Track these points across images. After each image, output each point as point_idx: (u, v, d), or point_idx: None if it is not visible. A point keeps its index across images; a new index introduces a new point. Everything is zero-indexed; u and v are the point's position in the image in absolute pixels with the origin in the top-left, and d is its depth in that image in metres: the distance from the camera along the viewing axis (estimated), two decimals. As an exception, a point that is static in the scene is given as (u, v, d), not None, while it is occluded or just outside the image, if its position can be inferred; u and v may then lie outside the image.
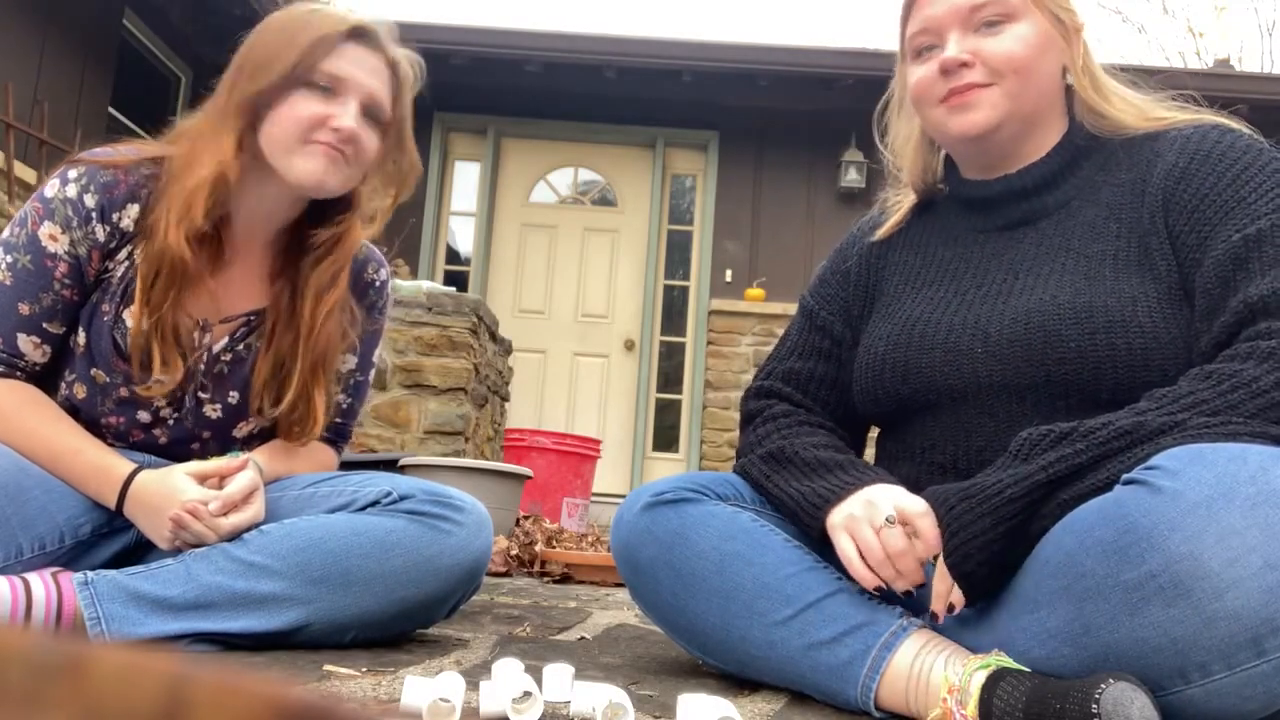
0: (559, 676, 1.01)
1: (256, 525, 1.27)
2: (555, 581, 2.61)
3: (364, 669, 1.13)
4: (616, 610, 1.99)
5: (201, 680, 0.20)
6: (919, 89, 1.20)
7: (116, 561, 1.32)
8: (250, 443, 1.45)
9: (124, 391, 1.33)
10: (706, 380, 6.42)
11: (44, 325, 1.31)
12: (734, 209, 6.61)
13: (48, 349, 1.33)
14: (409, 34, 1.41)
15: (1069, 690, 0.85)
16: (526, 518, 3.52)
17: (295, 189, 1.32)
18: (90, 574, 1.19)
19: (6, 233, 1.31)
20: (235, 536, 1.26)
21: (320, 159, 1.28)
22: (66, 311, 1.32)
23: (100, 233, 1.29)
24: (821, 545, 1.14)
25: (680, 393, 6.61)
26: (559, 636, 1.55)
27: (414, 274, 6.29)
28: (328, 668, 1.12)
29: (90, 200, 1.29)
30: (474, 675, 1.11)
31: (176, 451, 1.40)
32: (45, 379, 1.35)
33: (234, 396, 1.40)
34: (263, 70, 1.27)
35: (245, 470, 1.29)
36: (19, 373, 1.32)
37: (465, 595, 1.37)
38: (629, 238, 6.72)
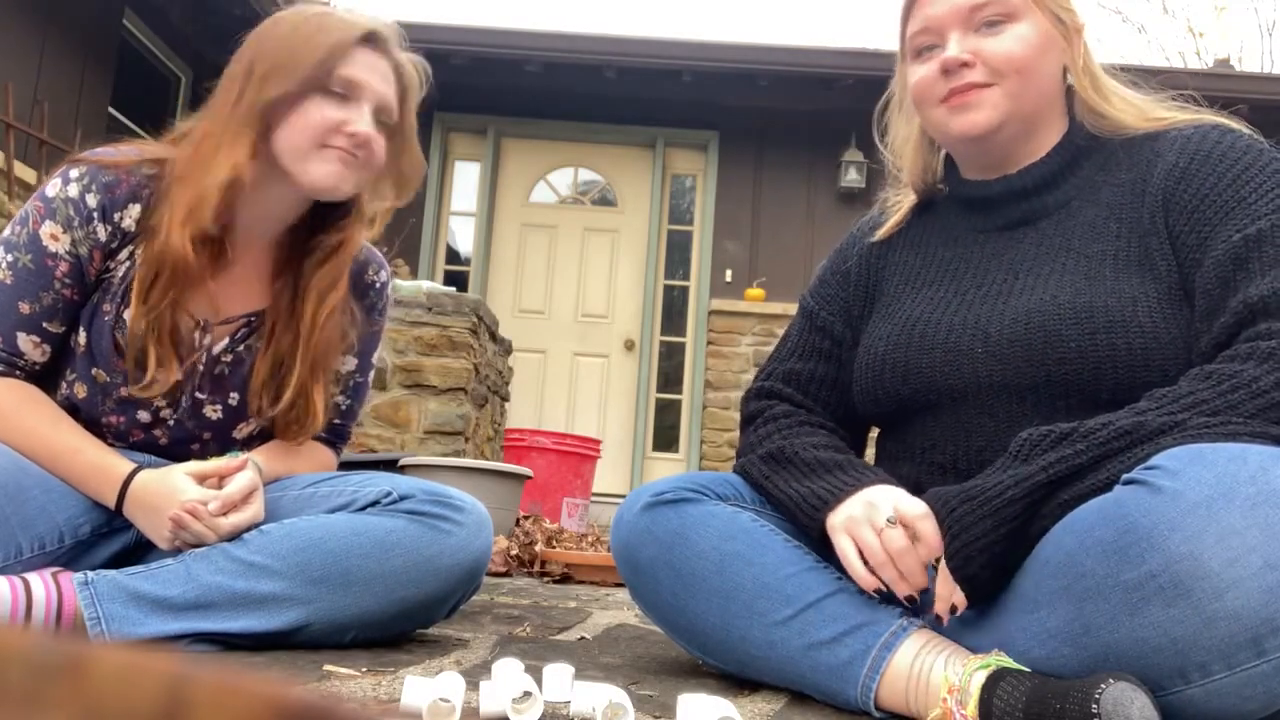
0: (559, 676, 1.01)
1: (256, 525, 1.27)
2: (555, 581, 2.61)
3: (364, 669, 1.13)
4: (616, 610, 1.99)
5: (201, 680, 0.20)
6: (919, 89, 1.20)
7: (116, 561, 1.32)
8: (250, 443, 1.45)
9: (124, 391, 1.33)
10: (706, 380, 6.42)
11: (44, 324, 1.31)
12: (734, 209, 6.61)
13: (47, 348, 1.33)
14: (409, 34, 1.41)
15: (1069, 690, 0.85)
16: (526, 518, 3.52)
17: (309, 193, 1.32)
18: (90, 574, 1.19)
19: (7, 231, 1.31)
20: (235, 536, 1.26)
21: (336, 163, 1.29)
22: (67, 311, 1.32)
23: (102, 232, 1.29)
24: (821, 546, 1.14)
25: (680, 393, 6.61)
26: (559, 636, 1.55)
27: (414, 274, 6.29)
28: (328, 668, 1.12)
29: (92, 200, 1.29)
30: (474, 675, 1.11)
31: (176, 452, 1.40)
32: (45, 378, 1.35)
33: (234, 398, 1.40)
34: (280, 75, 1.26)
35: (245, 470, 1.29)
36: (18, 372, 1.32)
37: (465, 595, 1.37)
38: (629, 238, 6.72)
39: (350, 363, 1.52)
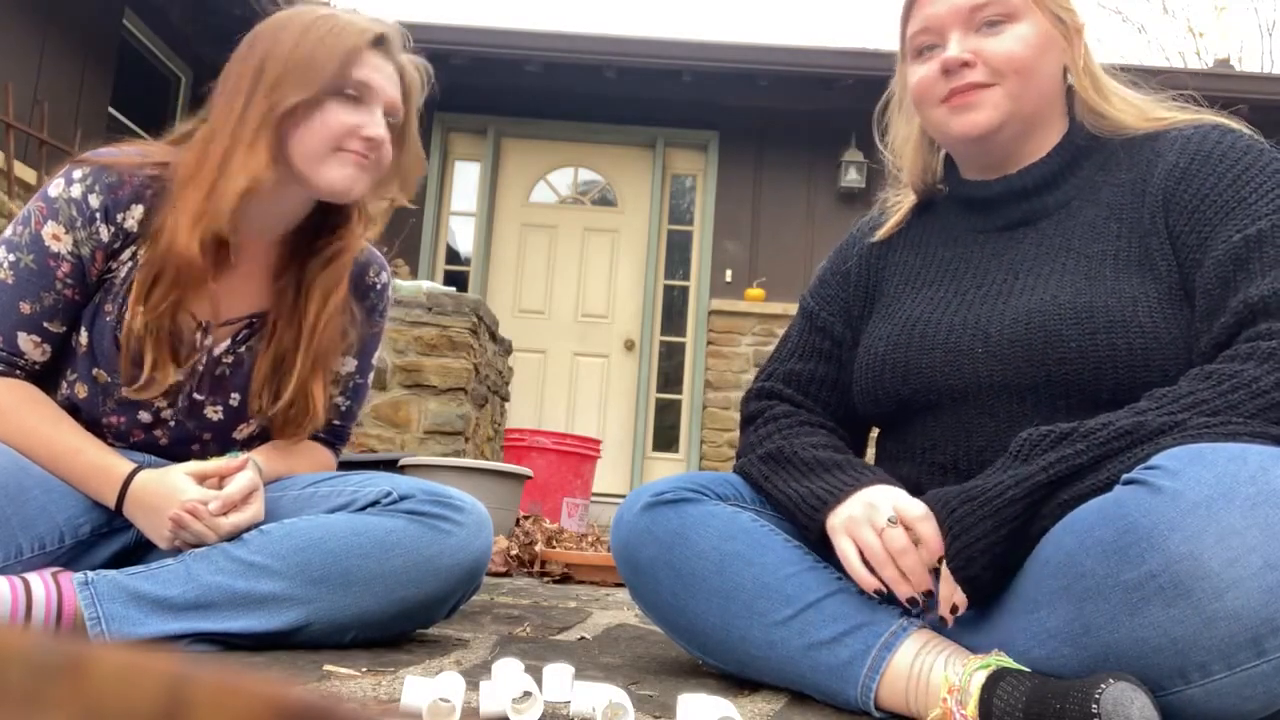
0: (559, 676, 1.01)
1: (256, 525, 1.27)
2: (555, 581, 2.61)
3: (364, 669, 1.13)
4: (616, 610, 1.99)
5: (201, 680, 0.20)
6: (920, 89, 1.20)
7: (116, 561, 1.32)
8: (250, 444, 1.45)
9: (125, 392, 1.33)
10: (706, 380, 6.42)
11: (45, 324, 1.31)
12: (734, 209, 6.61)
13: (48, 348, 1.33)
14: (409, 33, 1.42)
15: (1069, 690, 0.85)
16: (526, 518, 3.52)
17: (323, 196, 1.33)
18: (90, 574, 1.19)
19: (9, 231, 1.31)
20: (235, 536, 1.26)
21: (351, 167, 1.30)
22: (68, 311, 1.32)
23: (104, 233, 1.29)
24: (820, 546, 1.14)
25: (680, 393, 6.61)
26: (559, 636, 1.55)
27: (414, 274, 6.29)
28: (328, 668, 1.12)
29: (95, 200, 1.29)
30: (474, 675, 1.11)
31: (177, 452, 1.40)
32: (45, 378, 1.35)
33: (235, 398, 1.40)
34: (297, 81, 1.26)
35: (245, 470, 1.29)
36: (19, 371, 1.32)
37: (465, 595, 1.37)
38: (629, 238, 6.72)
39: (350, 364, 1.52)
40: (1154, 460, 0.90)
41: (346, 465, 1.63)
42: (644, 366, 6.53)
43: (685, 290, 6.73)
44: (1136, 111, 1.20)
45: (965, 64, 1.15)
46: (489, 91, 6.48)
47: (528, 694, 0.92)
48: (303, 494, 1.35)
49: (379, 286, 1.53)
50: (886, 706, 1.04)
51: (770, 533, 1.17)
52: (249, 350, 1.39)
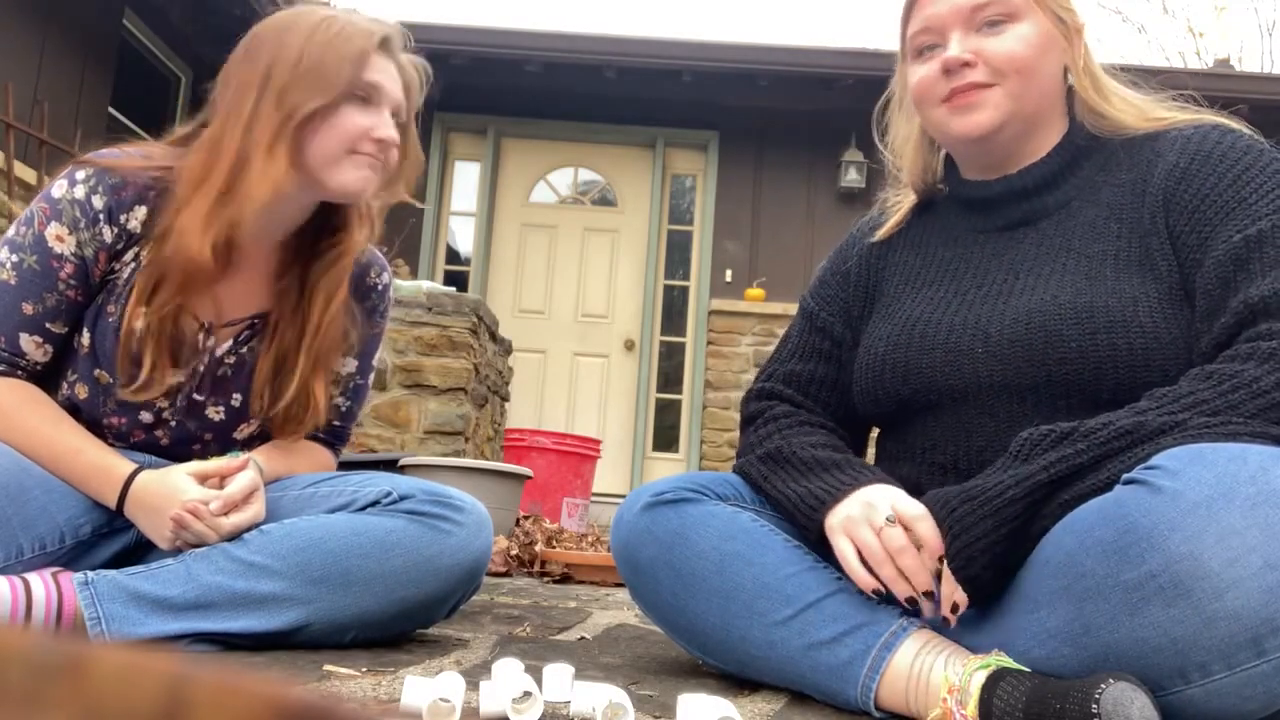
0: (559, 676, 1.01)
1: (257, 525, 1.27)
2: (555, 581, 2.61)
3: (364, 669, 1.13)
4: (616, 610, 1.99)
5: (201, 680, 0.20)
6: (920, 88, 1.20)
7: (116, 561, 1.32)
8: (251, 444, 1.45)
9: (123, 394, 1.33)
10: (706, 380, 6.42)
11: (47, 325, 1.31)
12: (734, 209, 6.61)
13: (49, 349, 1.33)
14: (409, 33, 1.42)
15: (1069, 690, 0.85)
16: (526, 518, 3.52)
17: (336, 198, 1.34)
18: (90, 574, 1.19)
19: (12, 232, 1.31)
20: (235, 536, 1.26)
21: (365, 169, 1.31)
22: (70, 312, 1.32)
23: (108, 234, 1.29)
24: (820, 546, 1.13)
25: (680, 393, 6.61)
26: (559, 636, 1.55)
27: (414, 274, 6.29)
28: (328, 668, 1.12)
29: (98, 202, 1.28)
30: (474, 675, 1.11)
31: (177, 452, 1.40)
32: (46, 378, 1.35)
33: (236, 399, 1.40)
34: (313, 87, 1.26)
35: (246, 470, 1.29)
36: (20, 372, 1.31)
37: (465, 595, 1.37)
38: (629, 238, 6.72)
39: (351, 364, 1.52)
40: (1154, 460, 0.90)
41: (346, 465, 1.63)
42: (644, 366, 6.53)
43: (685, 290, 6.73)
44: (1136, 111, 1.20)
45: (966, 64, 1.15)
46: (489, 91, 6.48)
47: (528, 694, 0.92)
48: (303, 494, 1.35)
49: (380, 288, 1.53)
50: (886, 706, 1.04)
51: (770, 533, 1.17)
52: (250, 351, 1.39)
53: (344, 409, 1.54)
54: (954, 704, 0.94)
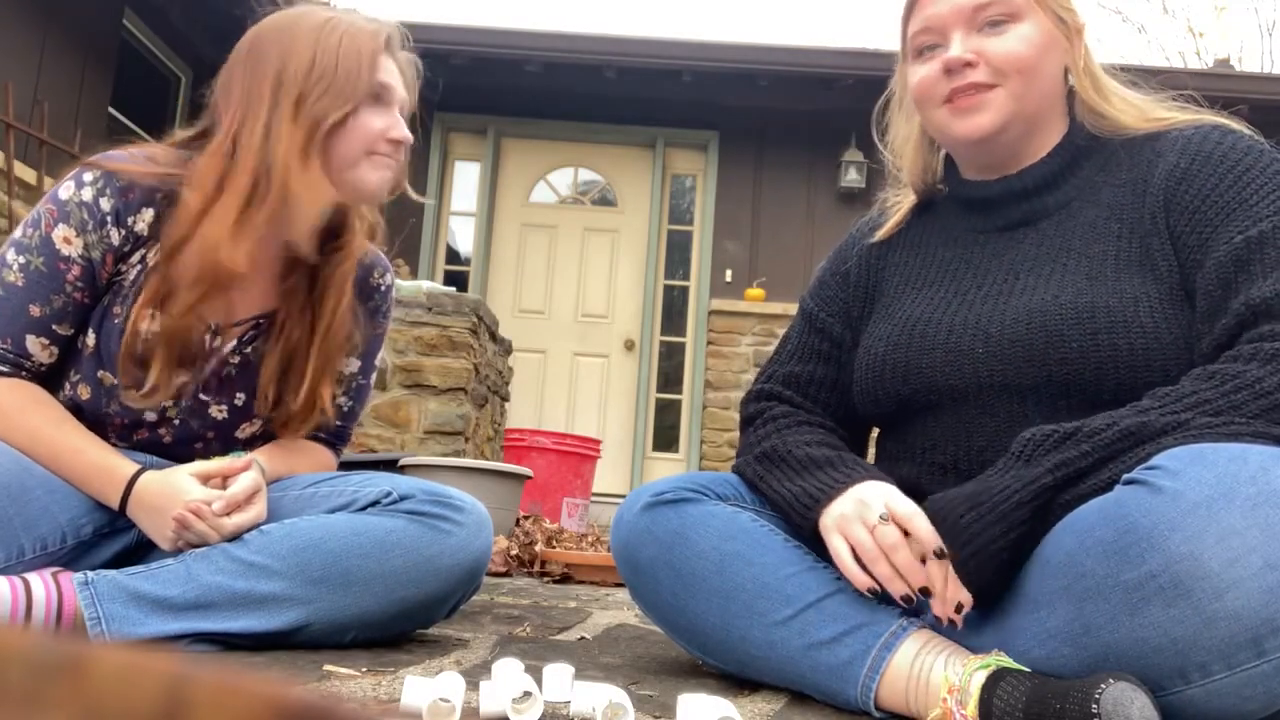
0: (559, 676, 1.01)
1: (258, 525, 1.27)
2: (555, 581, 2.61)
3: (364, 669, 1.13)
4: (616, 610, 1.99)
5: (201, 680, 0.20)
6: (921, 89, 1.20)
7: (117, 561, 1.32)
8: (252, 443, 1.45)
9: (127, 400, 1.33)
10: (706, 380, 6.42)
11: (53, 327, 1.30)
12: (734, 209, 6.61)
13: (55, 350, 1.33)
14: (410, 33, 1.43)
15: (1069, 690, 0.85)
16: (526, 518, 3.52)
17: (355, 199, 1.35)
18: (90, 574, 1.19)
19: (19, 233, 1.30)
20: (236, 536, 1.26)
21: (384, 169, 1.33)
22: (76, 314, 1.31)
23: (115, 236, 1.29)
24: (815, 544, 1.13)
25: (680, 393, 6.61)
26: (559, 636, 1.55)
27: (414, 274, 6.29)
28: (328, 668, 1.12)
29: (106, 204, 1.28)
30: (474, 675, 1.11)
31: (180, 452, 1.40)
32: (49, 378, 1.35)
33: (240, 398, 1.40)
34: (336, 93, 1.27)
35: (249, 470, 1.29)
36: (24, 372, 1.31)
37: (465, 595, 1.37)
38: (629, 238, 6.72)
39: (353, 364, 1.52)
40: (1155, 460, 0.90)
41: (346, 465, 1.63)
42: (644, 366, 6.53)
43: (685, 290, 6.73)
44: (1137, 112, 1.20)
45: (968, 64, 1.15)
46: (489, 91, 6.48)
47: (528, 694, 0.92)
48: (303, 494, 1.35)
49: (383, 289, 1.53)
50: (886, 706, 1.04)
51: (770, 533, 1.17)
52: (255, 350, 1.39)
53: (346, 409, 1.54)
54: (954, 704, 0.94)
